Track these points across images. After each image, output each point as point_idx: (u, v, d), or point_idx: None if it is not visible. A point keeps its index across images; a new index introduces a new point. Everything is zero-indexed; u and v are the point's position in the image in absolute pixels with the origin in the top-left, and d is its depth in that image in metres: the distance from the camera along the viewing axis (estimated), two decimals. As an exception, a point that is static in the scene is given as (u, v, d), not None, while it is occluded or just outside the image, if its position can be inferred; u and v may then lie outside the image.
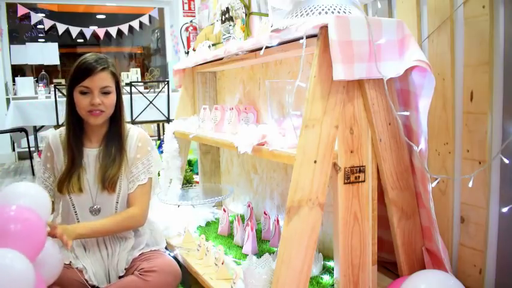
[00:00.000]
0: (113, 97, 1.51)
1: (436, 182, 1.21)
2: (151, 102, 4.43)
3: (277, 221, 1.70)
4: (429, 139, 1.36)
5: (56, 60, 5.97)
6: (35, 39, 6.37)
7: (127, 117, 4.34)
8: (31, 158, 4.51)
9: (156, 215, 2.05)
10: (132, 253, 1.55)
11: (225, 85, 2.21)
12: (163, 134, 2.22)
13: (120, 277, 1.52)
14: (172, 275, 1.49)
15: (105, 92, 1.49)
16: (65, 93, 1.64)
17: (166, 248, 1.84)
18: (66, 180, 1.50)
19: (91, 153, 1.55)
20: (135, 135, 1.60)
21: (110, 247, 1.54)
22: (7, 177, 4.48)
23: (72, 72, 1.50)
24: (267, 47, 1.31)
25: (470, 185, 1.18)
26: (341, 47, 1.05)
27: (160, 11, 6.20)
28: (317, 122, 1.09)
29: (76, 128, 1.54)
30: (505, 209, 1.20)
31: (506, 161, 1.16)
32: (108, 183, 1.51)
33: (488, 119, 1.24)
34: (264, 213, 1.80)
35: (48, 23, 5.79)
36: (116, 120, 1.57)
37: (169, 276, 1.48)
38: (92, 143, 1.57)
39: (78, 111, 1.50)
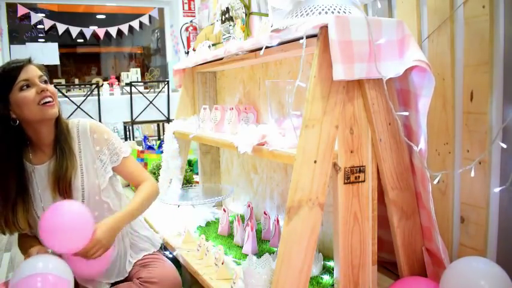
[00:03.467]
0: (52, 86, 1.38)
1: (436, 179, 1.21)
2: (151, 102, 4.43)
3: (277, 221, 1.70)
4: (429, 139, 1.36)
5: (56, 60, 5.96)
6: (35, 39, 6.37)
7: (127, 117, 4.39)
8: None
9: (155, 215, 2.05)
10: (137, 256, 1.56)
11: (225, 85, 2.21)
12: (163, 134, 2.22)
13: (119, 282, 1.51)
14: (172, 287, 1.48)
15: (44, 81, 1.36)
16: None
17: (165, 248, 1.84)
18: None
19: (42, 169, 1.41)
20: (87, 128, 1.46)
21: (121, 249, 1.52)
22: (7, 177, 4.47)
23: None
24: (267, 47, 1.31)
25: (472, 174, 1.18)
26: (341, 47, 1.05)
27: (160, 11, 6.20)
28: (317, 122, 1.09)
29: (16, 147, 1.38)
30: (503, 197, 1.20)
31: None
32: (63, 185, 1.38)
33: (488, 119, 1.24)
34: (264, 213, 1.79)
35: (48, 23, 5.78)
36: (59, 118, 1.42)
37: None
38: (39, 157, 1.42)
39: (27, 114, 1.33)
